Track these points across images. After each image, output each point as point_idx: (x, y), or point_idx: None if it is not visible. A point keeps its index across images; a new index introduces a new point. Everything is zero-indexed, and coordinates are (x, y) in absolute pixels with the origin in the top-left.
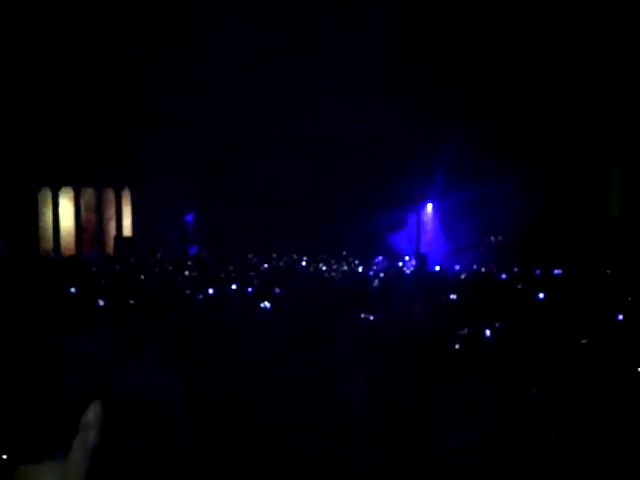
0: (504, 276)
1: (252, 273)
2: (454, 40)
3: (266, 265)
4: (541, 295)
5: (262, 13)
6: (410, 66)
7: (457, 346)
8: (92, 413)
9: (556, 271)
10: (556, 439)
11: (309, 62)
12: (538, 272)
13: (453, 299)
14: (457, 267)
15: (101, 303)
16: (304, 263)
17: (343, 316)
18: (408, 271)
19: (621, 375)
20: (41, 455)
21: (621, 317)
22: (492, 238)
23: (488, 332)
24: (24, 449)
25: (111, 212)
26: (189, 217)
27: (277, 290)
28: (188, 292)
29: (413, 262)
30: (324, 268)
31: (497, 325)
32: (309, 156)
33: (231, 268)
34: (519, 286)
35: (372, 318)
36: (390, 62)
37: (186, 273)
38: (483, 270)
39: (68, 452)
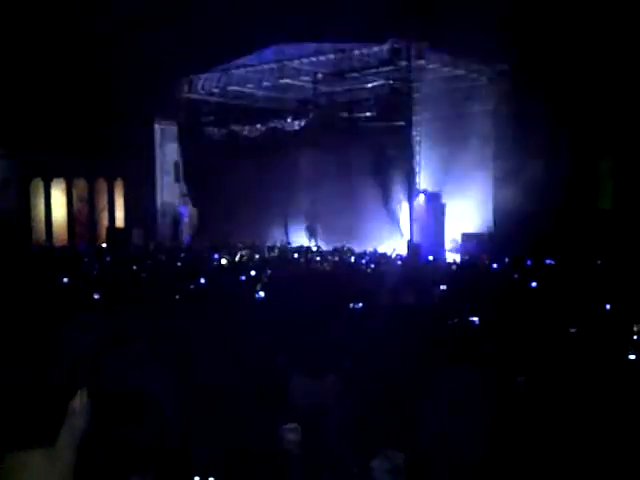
0: (495, 266)
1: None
2: (444, 26)
3: (258, 256)
4: (532, 285)
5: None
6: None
7: (447, 334)
8: (79, 401)
9: (547, 261)
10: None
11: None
12: (529, 262)
13: (444, 289)
14: (449, 257)
15: (93, 294)
16: (296, 255)
17: (334, 305)
18: (400, 262)
19: (609, 362)
20: (29, 442)
21: (609, 307)
22: (485, 229)
23: (477, 320)
24: (13, 436)
25: (103, 203)
26: (183, 209)
27: (269, 280)
28: (181, 282)
29: (406, 252)
30: (317, 259)
31: (487, 314)
32: (302, 146)
33: (223, 259)
34: (512, 276)
35: (361, 306)
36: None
37: (178, 264)
38: (475, 260)
39: (56, 439)
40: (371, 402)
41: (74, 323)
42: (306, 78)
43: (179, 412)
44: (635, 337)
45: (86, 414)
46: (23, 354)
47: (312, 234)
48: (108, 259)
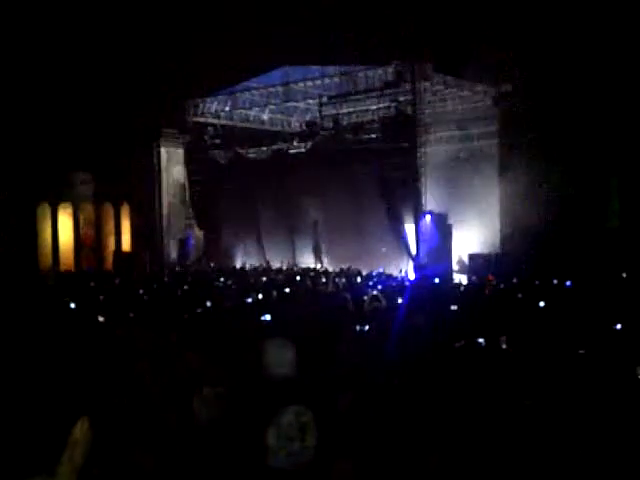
0: (502, 286)
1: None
2: (448, 48)
3: (264, 278)
4: (540, 305)
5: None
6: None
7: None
8: (80, 429)
9: (555, 281)
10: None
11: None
12: (537, 283)
13: (453, 310)
14: (456, 278)
15: (100, 319)
16: (298, 277)
17: (340, 329)
18: (407, 283)
19: (618, 384)
20: (29, 472)
21: (619, 327)
22: (492, 250)
23: (483, 342)
24: (12, 466)
25: (110, 227)
26: (189, 232)
27: (276, 302)
28: (187, 305)
29: (412, 274)
30: (323, 280)
31: (494, 336)
32: (308, 169)
33: (230, 282)
34: (519, 296)
35: (367, 329)
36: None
37: (185, 287)
38: (482, 281)
39: (56, 469)
40: (379, 424)
41: (82, 347)
42: (311, 101)
43: (187, 438)
44: None
45: (87, 443)
46: (26, 379)
47: (318, 256)
48: (115, 283)
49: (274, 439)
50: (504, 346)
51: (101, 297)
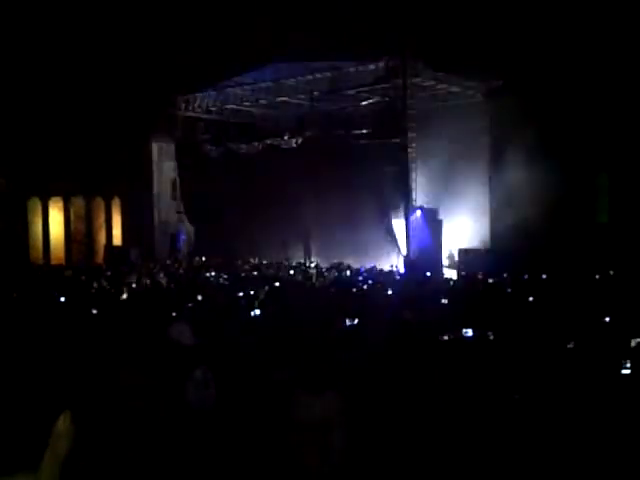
0: (492, 281)
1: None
2: (438, 44)
3: (255, 273)
4: (529, 300)
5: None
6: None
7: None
8: (63, 423)
9: (544, 276)
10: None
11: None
12: (526, 277)
13: (443, 304)
14: (446, 273)
15: (91, 311)
16: (292, 271)
17: (329, 322)
18: (398, 277)
19: (603, 378)
20: (11, 467)
21: (608, 320)
22: (482, 245)
23: (471, 336)
24: None
25: (101, 221)
26: (180, 227)
27: (266, 297)
28: (178, 300)
29: (403, 269)
30: (313, 275)
31: (483, 330)
32: (299, 163)
33: (220, 276)
34: (509, 291)
35: (356, 322)
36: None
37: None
38: (471, 276)
39: (39, 463)
40: (371, 418)
41: (71, 341)
42: (302, 96)
43: (173, 433)
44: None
45: (70, 437)
46: (9, 372)
47: (309, 251)
48: (106, 276)
49: (190, 387)
50: (492, 339)
51: (92, 291)
